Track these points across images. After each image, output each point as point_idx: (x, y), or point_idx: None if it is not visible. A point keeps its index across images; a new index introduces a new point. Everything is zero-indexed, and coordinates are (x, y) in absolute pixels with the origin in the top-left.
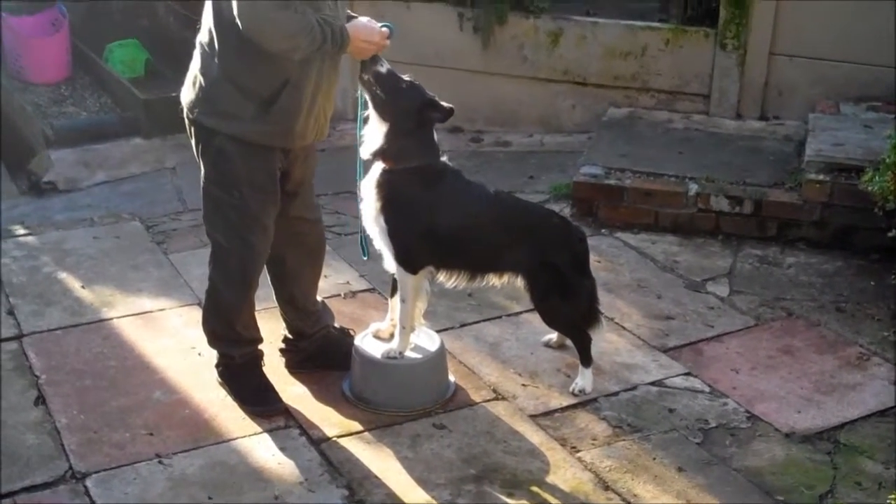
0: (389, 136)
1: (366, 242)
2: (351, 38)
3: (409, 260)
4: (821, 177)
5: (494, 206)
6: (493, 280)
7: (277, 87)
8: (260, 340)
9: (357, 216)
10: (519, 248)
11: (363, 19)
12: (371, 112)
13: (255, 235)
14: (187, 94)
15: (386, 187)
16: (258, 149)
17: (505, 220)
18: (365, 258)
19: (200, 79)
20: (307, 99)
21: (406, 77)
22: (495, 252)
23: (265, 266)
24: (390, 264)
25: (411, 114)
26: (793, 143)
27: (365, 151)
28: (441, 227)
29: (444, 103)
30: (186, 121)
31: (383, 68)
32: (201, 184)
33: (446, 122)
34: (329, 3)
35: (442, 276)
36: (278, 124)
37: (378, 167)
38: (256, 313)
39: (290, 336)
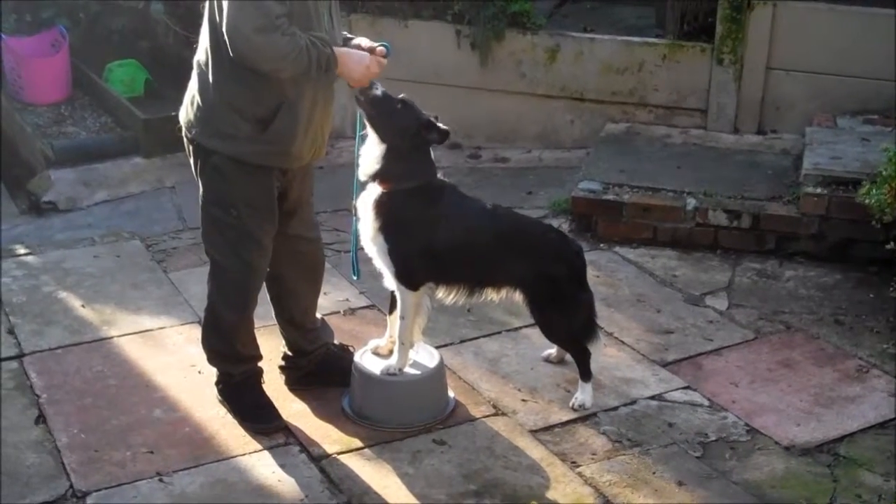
0: (386, 158)
1: (357, 262)
2: (339, 64)
3: (410, 277)
4: (818, 190)
5: (492, 220)
6: (492, 295)
7: (273, 108)
8: (259, 358)
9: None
10: (517, 263)
11: (358, 45)
12: (369, 133)
13: (253, 254)
14: (185, 114)
15: (385, 207)
16: (256, 169)
17: (503, 235)
18: (356, 278)
19: (198, 99)
20: (304, 119)
21: (400, 97)
22: (493, 266)
23: (264, 284)
24: (390, 282)
25: (408, 135)
26: (790, 157)
27: (362, 173)
28: (440, 243)
29: (441, 125)
30: (185, 140)
31: (378, 91)
32: (200, 202)
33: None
34: (324, 20)
35: (441, 292)
36: (275, 144)
37: (375, 187)
38: (256, 331)
39: (289, 353)
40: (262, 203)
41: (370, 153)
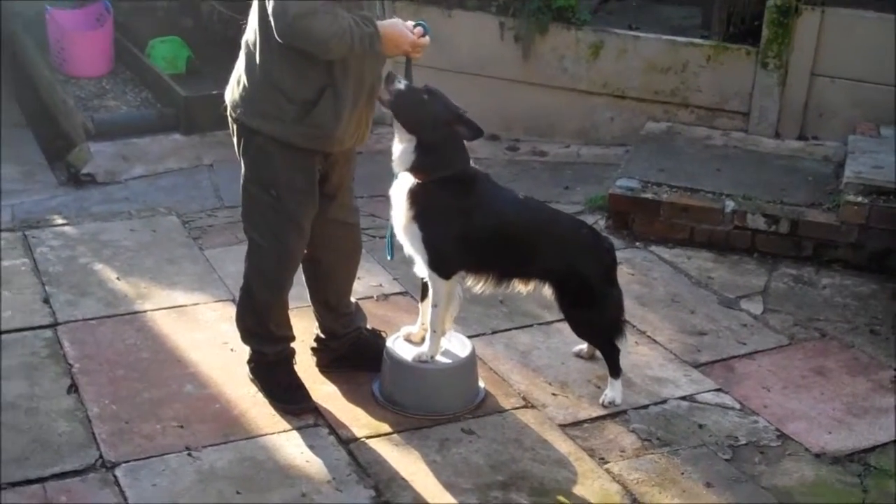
0: (418, 150)
1: (392, 243)
2: (382, 38)
3: (443, 266)
4: (859, 199)
5: (525, 212)
6: (520, 286)
7: (318, 90)
8: (292, 339)
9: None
10: (547, 256)
11: (394, 20)
12: (396, 125)
13: (291, 235)
14: (231, 94)
15: (418, 197)
16: (298, 151)
17: (535, 227)
18: (389, 258)
19: (244, 79)
20: (348, 104)
21: (425, 87)
22: (524, 258)
23: (301, 266)
24: (422, 270)
25: (438, 127)
26: (831, 165)
27: (395, 166)
28: (473, 232)
29: (473, 121)
30: (229, 119)
31: (401, 85)
32: (241, 182)
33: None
34: (366, 2)
35: (470, 281)
36: (318, 128)
37: (408, 177)
38: (290, 312)
39: (322, 336)
40: (303, 186)
41: (400, 145)
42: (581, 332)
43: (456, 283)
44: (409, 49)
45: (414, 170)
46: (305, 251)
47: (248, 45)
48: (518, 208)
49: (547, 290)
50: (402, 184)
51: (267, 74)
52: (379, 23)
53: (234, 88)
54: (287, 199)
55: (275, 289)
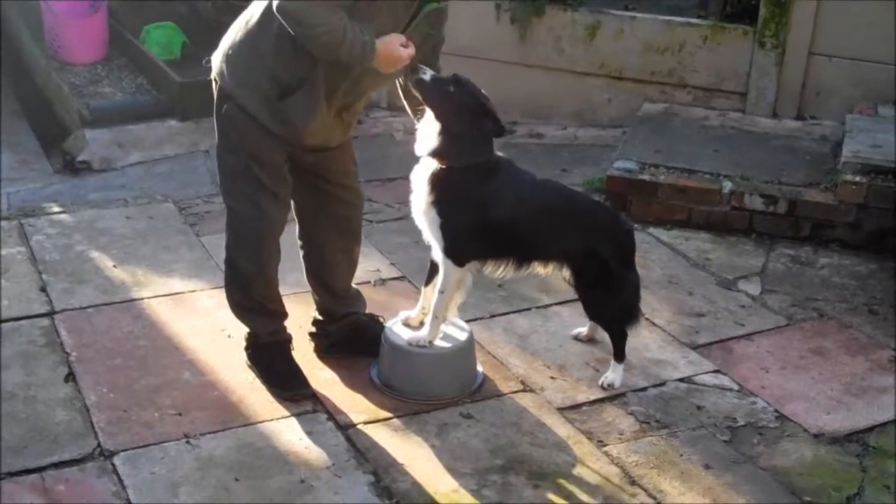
0: (443, 137)
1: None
2: (377, 51)
3: (458, 253)
4: (857, 178)
5: (543, 193)
6: (539, 268)
7: (296, 79)
8: (284, 315)
9: (389, 204)
10: (566, 238)
11: (392, 36)
12: (426, 110)
13: (266, 201)
14: (217, 56)
15: (440, 182)
16: (263, 129)
17: (554, 209)
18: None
19: (233, 40)
20: (319, 104)
21: (452, 76)
22: (543, 240)
23: (299, 246)
24: (437, 255)
25: (464, 117)
26: (829, 144)
27: (419, 149)
28: (493, 219)
29: (497, 117)
30: (213, 82)
31: (426, 76)
32: (216, 150)
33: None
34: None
35: (489, 268)
36: (283, 113)
37: (431, 162)
38: (288, 297)
39: (319, 318)
40: (268, 159)
41: (427, 129)
42: (593, 313)
43: (468, 271)
44: (404, 62)
45: (437, 155)
46: (303, 231)
47: (248, 13)
48: (537, 191)
49: (564, 273)
50: (424, 168)
51: (256, 42)
52: (379, 40)
53: (220, 51)
54: (255, 168)
55: (255, 258)
